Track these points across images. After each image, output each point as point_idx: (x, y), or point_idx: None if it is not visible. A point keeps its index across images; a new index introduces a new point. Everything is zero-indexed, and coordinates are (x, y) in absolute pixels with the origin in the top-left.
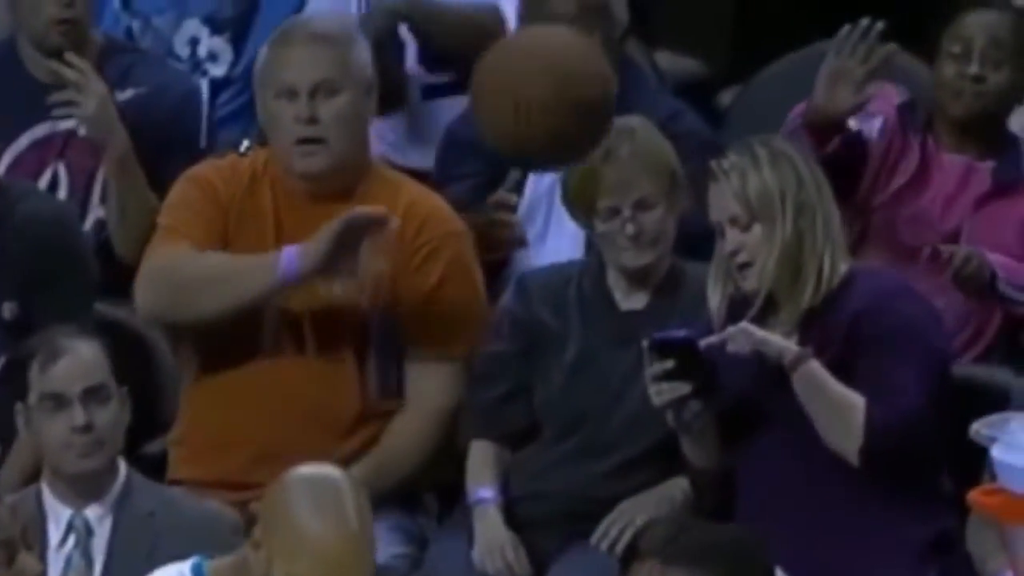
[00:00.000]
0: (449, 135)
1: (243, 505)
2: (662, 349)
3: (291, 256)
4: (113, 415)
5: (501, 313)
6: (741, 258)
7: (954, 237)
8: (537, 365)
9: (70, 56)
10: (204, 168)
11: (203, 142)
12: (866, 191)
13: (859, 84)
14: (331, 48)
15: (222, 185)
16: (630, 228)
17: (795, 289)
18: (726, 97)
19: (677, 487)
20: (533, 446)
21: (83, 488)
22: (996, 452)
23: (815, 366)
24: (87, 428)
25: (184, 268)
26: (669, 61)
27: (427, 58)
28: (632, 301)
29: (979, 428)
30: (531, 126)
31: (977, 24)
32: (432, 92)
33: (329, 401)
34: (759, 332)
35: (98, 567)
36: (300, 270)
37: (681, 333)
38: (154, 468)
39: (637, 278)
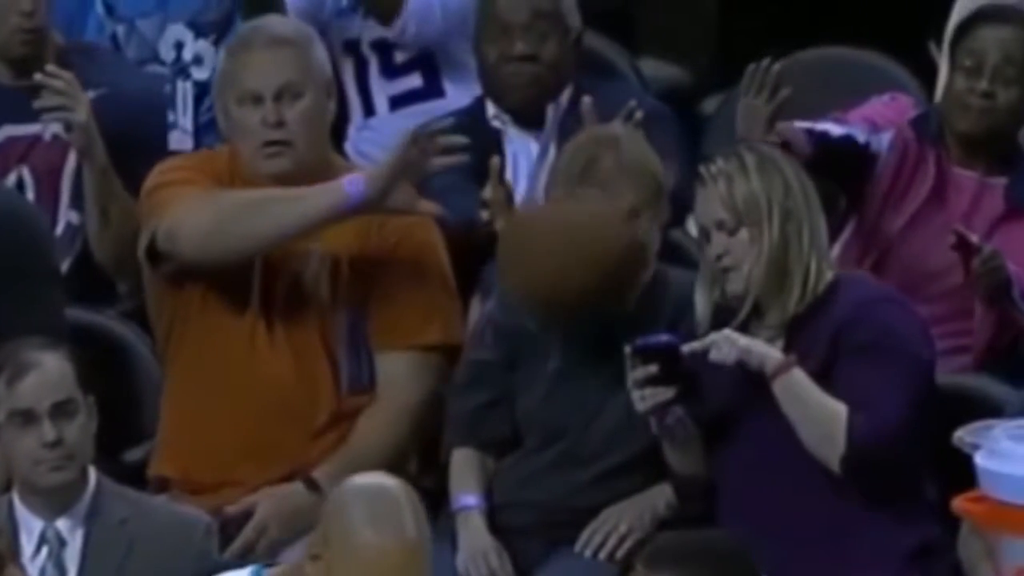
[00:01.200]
0: None
1: (218, 508)
2: (645, 354)
3: (357, 181)
4: (81, 428)
5: (485, 321)
6: (726, 262)
7: None
8: (520, 374)
9: (51, 68)
10: (177, 160)
11: (171, 143)
12: (878, 210)
13: (767, 121)
14: (292, 50)
15: (208, 168)
16: None
17: (780, 296)
18: (710, 105)
19: (660, 494)
20: (515, 455)
21: (54, 500)
22: (979, 459)
23: (798, 374)
24: (57, 443)
25: (237, 194)
26: (653, 68)
27: (388, 70)
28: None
29: (963, 436)
30: (567, 307)
31: (992, 39)
32: (398, 102)
33: (304, 399)
34: (743, 339)
35: None
36: (367, 192)
37: (664, 338)
38: (134, 475)
39: None
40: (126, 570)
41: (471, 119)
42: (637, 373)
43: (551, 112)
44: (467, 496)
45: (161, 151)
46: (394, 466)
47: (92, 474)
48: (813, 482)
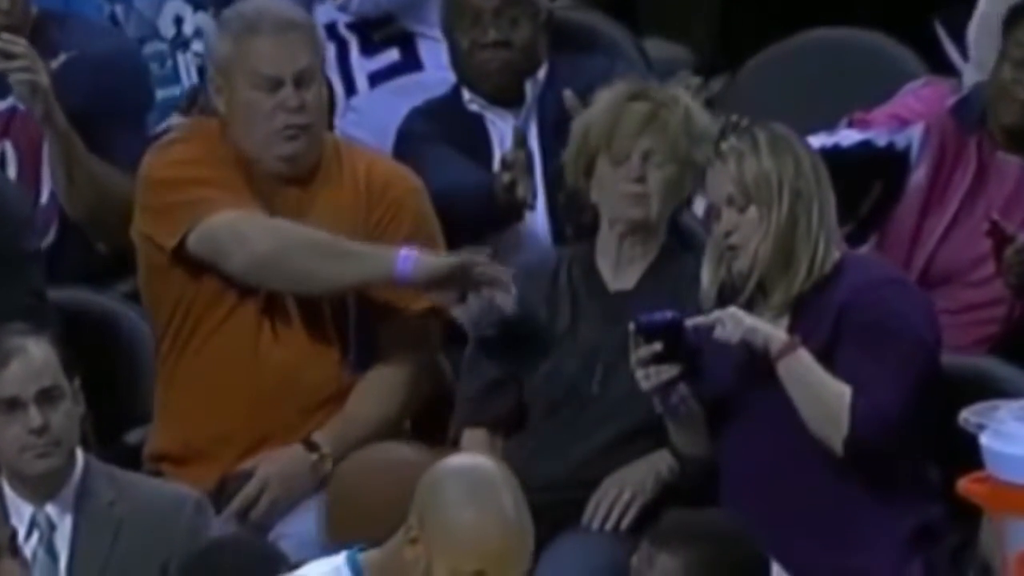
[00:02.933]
0: (403, 137)
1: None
2: (649, 332)
3: (407, 259)
4: (67, 413)
5: (491, 304)
6: (733, 239)
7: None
8: (527, 352)
9: (7, 35)
10: (181, 145)
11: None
12: (919, 208)
13: None
14: (303, 34)
15: (212, 153)
16: (637, 186)
17: (786, 275)
18: (715, 85)
19: (662, 459)
20: (519, 435)
21: (42, 485)
22: (985, 440)
23: (803, 355)
24: (43, 429)
25: (296, 232)
26: (657, 48)
27: (367, 48)
28: (621, 282)
29: (968, 416)
30: None
31: None
32: (377, 78)
33: (315, 379)
34: (748, 318)
35: (63, 561)
36: (412, 276)
37: (668, 314)
38: (134, 458)
39: (632, 240)
40: (117, 551)
41: (449, 105)
42: (641, 351)
43: (530, 88)
44: None
45: (135, 112)
46: (392, 430)
47: (79, 457)
48: (815, 463)
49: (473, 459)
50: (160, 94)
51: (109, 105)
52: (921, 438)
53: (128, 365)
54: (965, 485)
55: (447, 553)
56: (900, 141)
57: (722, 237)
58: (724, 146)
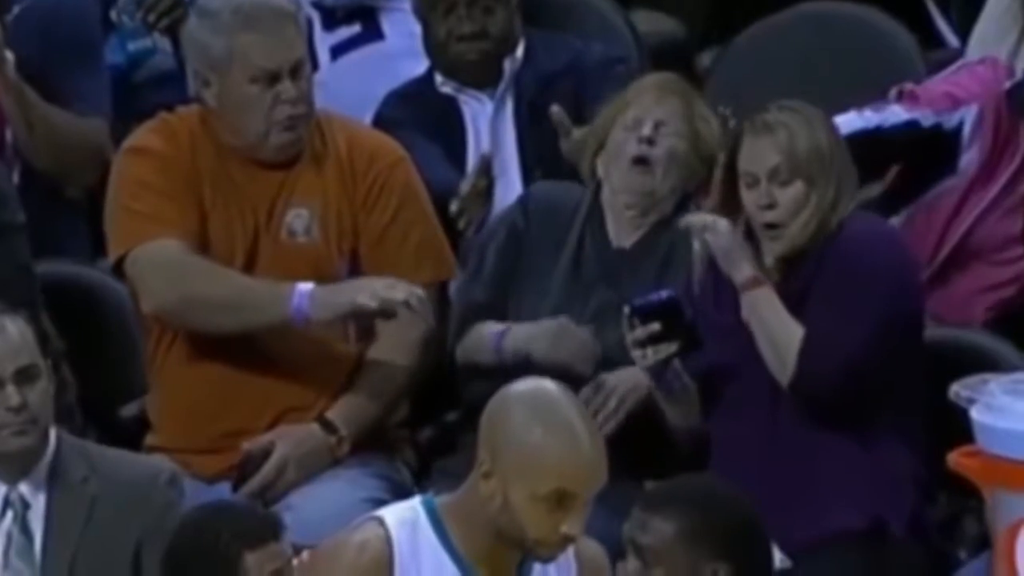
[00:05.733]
0: (378, 123)
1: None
2: (645, 314)
3: (303, 299)
4: (43, 391)
5: (501, 222)
6: (769, 217)
7: None
8: (522, 287)
9: None
10: (144, 139)
11: (153, 67)
12: (965, 188)
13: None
14: (294, 24)
15: (171, 152)
16: (644, 148)
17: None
18: (705, 59)
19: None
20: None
21: (17, 463)
22: (975, 413)
23: (766, 292)
24: (22, 408)
25: (198, 280)
26: (647, 22)
27: (329, 23)
28: (623, 240)
29: (959, 390)
30: None
31: None
32: (339, 50)
33: (314, 354)
34: (731, 241)
35: (38, 540)
36: (310, 314)
37: (663, 294)
38: (131, 431)
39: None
40: (91, 528)
41: (422, 88)
42: (638, 332)
43: (508, 66)
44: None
45: (89, 55)
46: (400, 403)
47: (52, 434)
48: (804, 431)
49: (532, 382)
50: (131, 47)
51: (62, 52)
52: (888, 391)
53: (117, 339)
54: (956, 459)
55: (522, 477)
56: (949, 122)
57: (757, 210)
58: (768, 117)
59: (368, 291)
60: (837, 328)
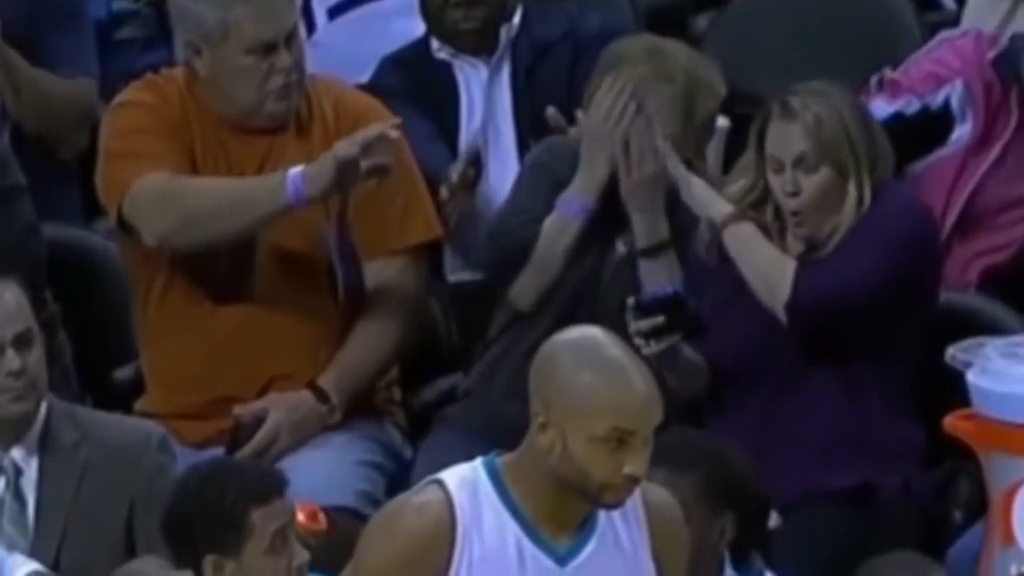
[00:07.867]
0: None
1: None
2: (650, 309)
3: (296, 181)
4: (39, 356)
5: (531, 164)
6: (793, 204)
7: None
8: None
9: None
10: (133, 94)
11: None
12: (959, 162)
13: None
14: None
15: (161, 105)
16: None
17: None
18: (701, 22)
19: None
20: (516, 329)
21: (8, 430)
22: (971, 376)
23: (748, 227)
24: (21, 372)
25: (190, 196)
26: None
27: None
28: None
29: (955, 353)
30: None
31: None
32: (336, 11)
33: (302, 321)
34: (705, 194)
35: (31, 505)
36: (307, 192)
37: (668, 289)
38: (125, 394)
39: None
40: (83, 493)
41: (417, 54)
42: (642, 324)
43: (504, 33)
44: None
45: (73, 15)
46: (392, 365)
47: (43, 400)
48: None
49: (574, 330)
50: (116, 5)
51: (47, 14)
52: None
53: (111, 302)
54: (951, 422)
55: (578, 421)
56: (934, 102)
57: (784, 196)
58: (795, 102)
59: (344, 142)
60: (841, 258)
